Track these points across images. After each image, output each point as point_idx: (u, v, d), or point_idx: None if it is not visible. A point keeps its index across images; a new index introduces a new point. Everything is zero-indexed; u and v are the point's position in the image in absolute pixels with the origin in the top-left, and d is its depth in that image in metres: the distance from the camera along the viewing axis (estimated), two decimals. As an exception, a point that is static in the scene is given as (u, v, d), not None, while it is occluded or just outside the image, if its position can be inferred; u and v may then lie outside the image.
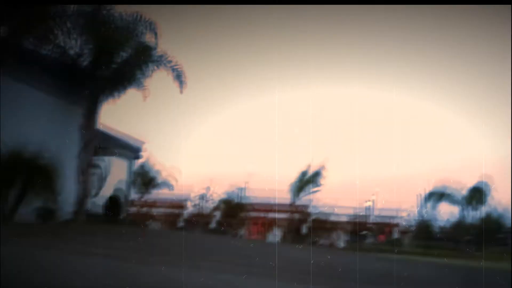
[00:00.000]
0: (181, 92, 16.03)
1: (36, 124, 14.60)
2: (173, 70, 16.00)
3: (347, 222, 24.50)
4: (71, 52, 14.97)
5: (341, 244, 22.70)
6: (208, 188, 25.30)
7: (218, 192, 24.77)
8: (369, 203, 25.84)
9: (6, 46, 12.23)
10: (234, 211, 23.36)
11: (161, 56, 16.00)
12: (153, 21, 15.56)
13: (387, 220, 24.31)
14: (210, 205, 24.45)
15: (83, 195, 15.54)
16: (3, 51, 11.85)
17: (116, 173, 20.32)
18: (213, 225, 22.35)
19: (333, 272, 8.16)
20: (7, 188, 12.03)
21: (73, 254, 7.24)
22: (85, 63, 15.43)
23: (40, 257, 6.65)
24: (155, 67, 16.02)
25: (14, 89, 13.60)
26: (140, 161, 21.08)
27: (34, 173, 12.35)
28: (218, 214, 23.34)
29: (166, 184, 31.57)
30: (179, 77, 16.01)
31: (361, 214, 26.07)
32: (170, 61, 16.01)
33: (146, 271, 6.41)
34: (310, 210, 24.65)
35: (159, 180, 31.11)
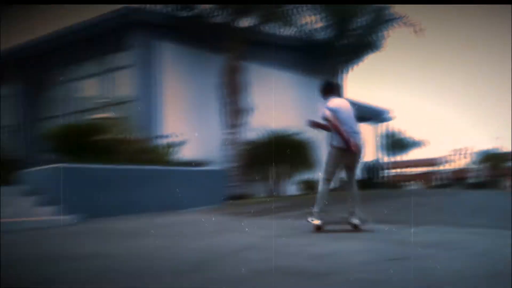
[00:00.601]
0: (423, 36, 15.50)
1: (286, 102, 15.45)
2: (409, 24, 15.50)
3: None
4: (308, 28, 15.46)
5: None
6: (460, 145, 23.93)
7: (471, 148, 23.23)
8: None
9: (250, 35, 13.12)
10: (496, 163, 21.59)
11: (394, 15, 15.64)
12: None
13: None
14: (467, 160, 23.00)
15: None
16: (248, 40, 12.76)
17: (367, 138, 20.45)
18: (476, 180, 20.97)
19: None
20: (272, 166, 12.96)
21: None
22: (323, 37, 15.79)
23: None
24: (391, 27, 15.69)
25: (260, 74, 14.54)
26: (387, 124, 20.89)
27: (294, 149, 13.05)
28: (479, 168, 21.82)
29: (417, 144, 30.82)
30: (416, 30, 15.47)
31: None
32: (403, 18, 15.55)
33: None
34: None
35: (410, 141, 30.51)
